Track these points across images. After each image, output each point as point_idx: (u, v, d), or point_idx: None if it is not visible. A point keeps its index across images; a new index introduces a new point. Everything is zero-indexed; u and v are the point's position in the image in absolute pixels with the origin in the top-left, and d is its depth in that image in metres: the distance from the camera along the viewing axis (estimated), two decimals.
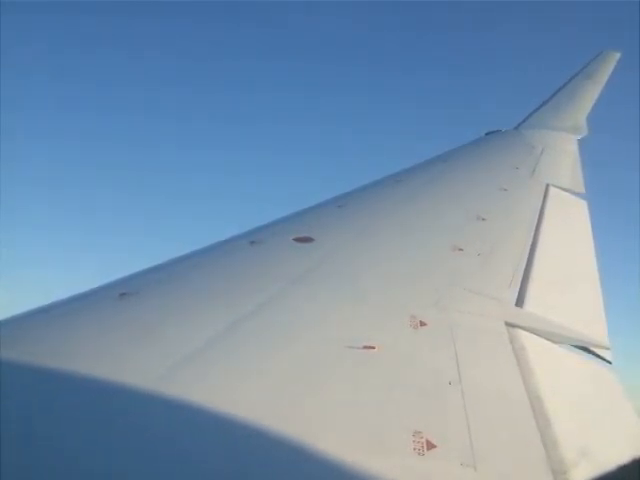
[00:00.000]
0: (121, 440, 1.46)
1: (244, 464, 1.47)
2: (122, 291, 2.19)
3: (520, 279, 3.32)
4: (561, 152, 6.80)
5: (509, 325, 2.71)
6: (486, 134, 7.00)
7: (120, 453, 1.41)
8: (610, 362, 2.89)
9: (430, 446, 1.67)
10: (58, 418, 1.49)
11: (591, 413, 2.36)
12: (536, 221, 4.37)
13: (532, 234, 4.10)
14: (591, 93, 8.36)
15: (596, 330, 3.19)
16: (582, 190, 5.74)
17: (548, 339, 2.76)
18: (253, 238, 2.88)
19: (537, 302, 3.12)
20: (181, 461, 1.42)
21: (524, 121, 7.54)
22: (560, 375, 2.60)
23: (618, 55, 9.04)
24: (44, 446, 1.37)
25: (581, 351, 2.87)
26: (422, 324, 2.40)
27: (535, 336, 2.72)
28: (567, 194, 5.46)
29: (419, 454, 1.64)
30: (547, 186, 5.30)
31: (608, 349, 3.00)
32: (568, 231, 4.81)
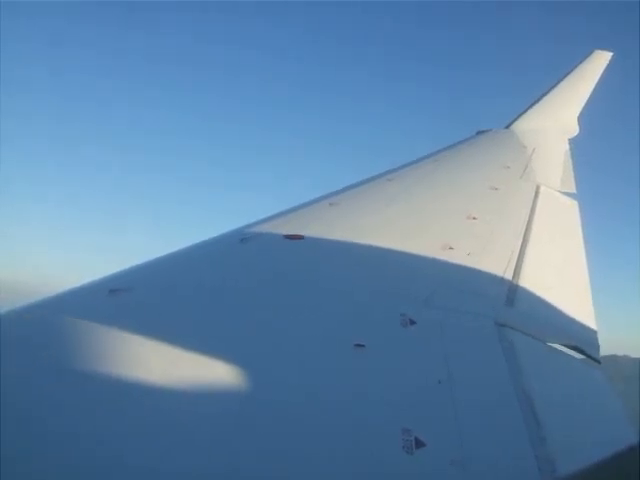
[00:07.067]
0: (120, 434, 1.45)
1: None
2: (111, 287, 2.17)
3: (510, 278, 3.33)
4: (552, 151, 6.82)
5: (499, 324, 2.71)
6: (477, 133, 7.00)
7: (120, 449, 1.40)
8: (599, 362, 2.90)
9: (419, 444, 1.68)
10: (50, 414, 1.47)
11: (580, 412, 2.37)
12: (527, 220, 4.38)
13: (523, 233, 4.11)
14: (582, 92, 8.39)
15: (585, 329, 3.21)
16: (573, 190, 5.76)
17: (537, 338, 2.77)
18: (243, 235, 2.86)
19: (527, 301, 3.13)
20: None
21: (515, 120, 7.55)
22: (549, 374, 2.61)
23: (610, 55, 9.06)
24: (42, 442, 1.36)
25: (570, 350, 2.88)
26: (412, 322, 2.40)
27: (524, 335, 2.72)
28: (558, 193, 5.48)
29: (408, 452, 1.64)
30: (538, 185, 5.31)
31: (597, 348, 3.01)
32: (559, 231, 4.83)
